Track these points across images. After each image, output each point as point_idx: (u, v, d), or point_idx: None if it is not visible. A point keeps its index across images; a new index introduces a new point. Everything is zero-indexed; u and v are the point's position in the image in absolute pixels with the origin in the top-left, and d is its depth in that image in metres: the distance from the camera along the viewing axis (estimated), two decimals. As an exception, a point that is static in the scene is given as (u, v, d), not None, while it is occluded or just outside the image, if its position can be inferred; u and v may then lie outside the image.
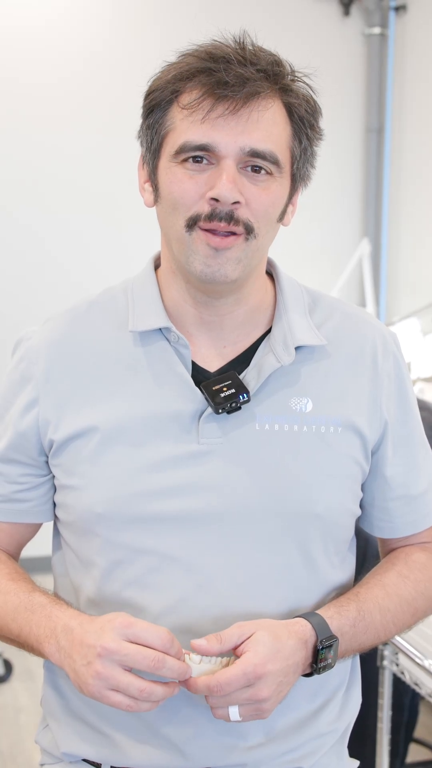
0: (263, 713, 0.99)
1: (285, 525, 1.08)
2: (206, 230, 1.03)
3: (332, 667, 1.07)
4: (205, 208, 1.03)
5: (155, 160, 1.08)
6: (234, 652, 1.00)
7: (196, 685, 0.97)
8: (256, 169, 1.04)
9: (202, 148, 1.02)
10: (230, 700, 0.97)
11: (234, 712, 0.98)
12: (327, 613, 1.07)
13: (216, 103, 1.01)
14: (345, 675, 1.19)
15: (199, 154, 1.03)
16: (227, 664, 0.98)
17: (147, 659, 0.94)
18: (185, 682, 0.98)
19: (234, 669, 0.96)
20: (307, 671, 1.05)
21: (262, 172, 1.04)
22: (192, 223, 1.04)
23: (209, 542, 1.07)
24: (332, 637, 1.05)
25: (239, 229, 1.03)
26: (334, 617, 1.07)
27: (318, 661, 1.04)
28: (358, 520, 1.21)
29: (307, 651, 1.03)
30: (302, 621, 1.05)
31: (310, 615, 1.06)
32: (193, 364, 1.12)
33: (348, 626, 1.08)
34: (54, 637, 1.03)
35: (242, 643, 0.99)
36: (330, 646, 1.04)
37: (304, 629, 1.04)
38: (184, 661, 0.98)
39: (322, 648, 1.03)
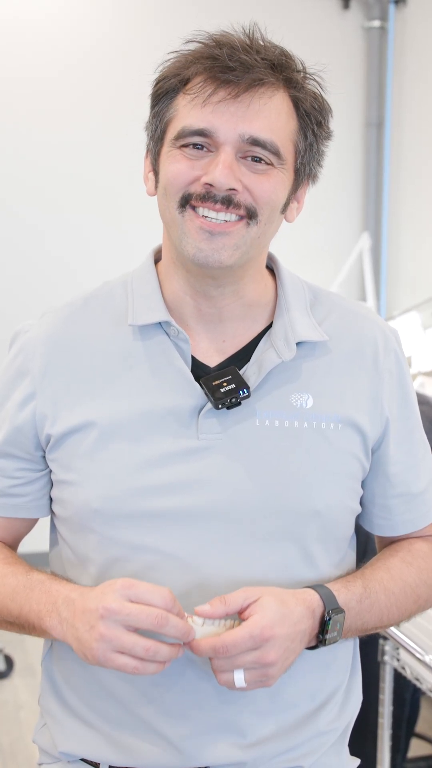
0: (269, 679, 0.98)
1: (284, 522, 1.07)
2: (199, 215, 1.02)
3: (337, 640, 1.06)
4: (198, 190, 1.02)
5: (158, 147, 1.08)
6: (240, 616, 0.99)
7: (200, 647, 0.96)
8: (256, 159, 1.03)
9: (201, 133, 1.02)
10: (236, 663, 0.96)
11: (239, 678, 0.97)
12: (334, 587, 1.07)
13: (218, 87, 1.01)
14: (345, 674, 1.18)
15: (199, 141, 1.02)
16: (231, 627, 0.97)
17: (150, 617, 0.94)
18: (189, 645, 0.97)
19: (241, 630, 0.95)
20: (313, 643, 1.05)
21: (262, 162, 1.03)
22: (184, 203, 1.03)
23: (208, 539, 1.06)
24: (339, 609, 1.05)
25: (240, 211, 1.02)
26: (341, 591, 1.07)
27: (324, 632, 1.03)
28: (358, 518, 1.20)
29: (314, 620, 1.03)
30: (310, 590, 1.04)
31: (317, 586, 1.06)
32: (193, 359, 1.11)
33: (354, 601, 1.08)
34: (55, 610, 1.03)
35: (248, 606, 0.98)
36: (337, 618, 1.04)
37: (312, 598, 1.03)
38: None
39: (329, 618, 1.03)
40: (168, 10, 4.63)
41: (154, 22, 4.62)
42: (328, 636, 1.04)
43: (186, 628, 0.96)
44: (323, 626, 1.03)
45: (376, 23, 5.05)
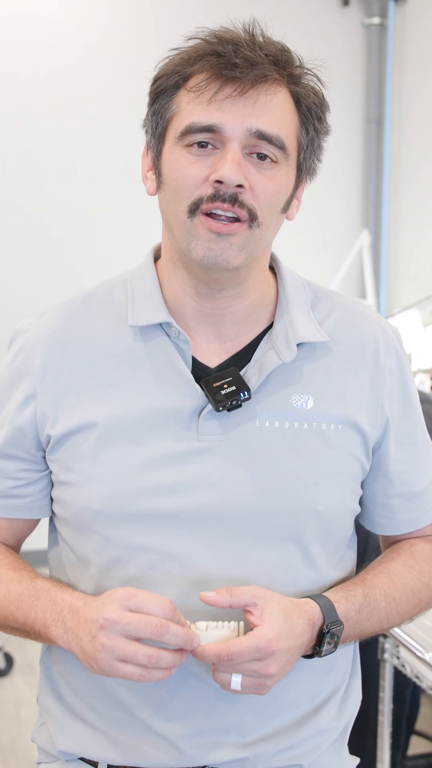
0: (263, 689, 0.99)
1: (285, 523, 1.07)
2: (208, 215, 1.02)
3: (334, 651, 1.06)
4: (208, 191, 1.01)
5: (159, 145, 1.07)
6: (245, 613, 0.98)
7: (204, 653, 0.96)
8: (262, 156, 1.03)
9: (208, 129, 1.01)
10: (236, 669, 0.96)
11: (236, 681, 0.97)
12: (334, 597, 1.07)
13: (223, 84, 1.01)
14: (345, 675, 1.18)
15: (205, 138, 1.02)
16: (235, 630, 0.97)
17: (149, 626, 0.93)
18: (193, 651, 0.96)
19: (247, 641, 0.95)
20: (308, 653, 1.05)
21: (268, 159, 1.03)
22: (194, 208, 1.03)
23: (208, 540, 1.06)
24: (338, 622, 1.05)
25: (243, 213, 1.02)
26: (341, 602, 1.07)
27: (321, 644, 1.04)
28: (359, 517, 1.20)
29: (313, 633, 1.03)
30: (311, 602, 1.05)
31: (318, 597, 1.06)
32: (194, 359, 1.10)
33: (353, 612, 1.08)
34: (61, 619, 1.03)
35: (253, 606, 0.98)
36: (335, 631, 1.04)
37: (313, 611, 1.03)
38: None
39: (327, 632, 1.03)
40: (169, 7, 4.62)
41: (156, 18, 4.62)
42: (323, 648, 1.04)
43: (188, 635, 0.95)
44: (320, 638, 1.04)
45: (376, 20, 5.05)
